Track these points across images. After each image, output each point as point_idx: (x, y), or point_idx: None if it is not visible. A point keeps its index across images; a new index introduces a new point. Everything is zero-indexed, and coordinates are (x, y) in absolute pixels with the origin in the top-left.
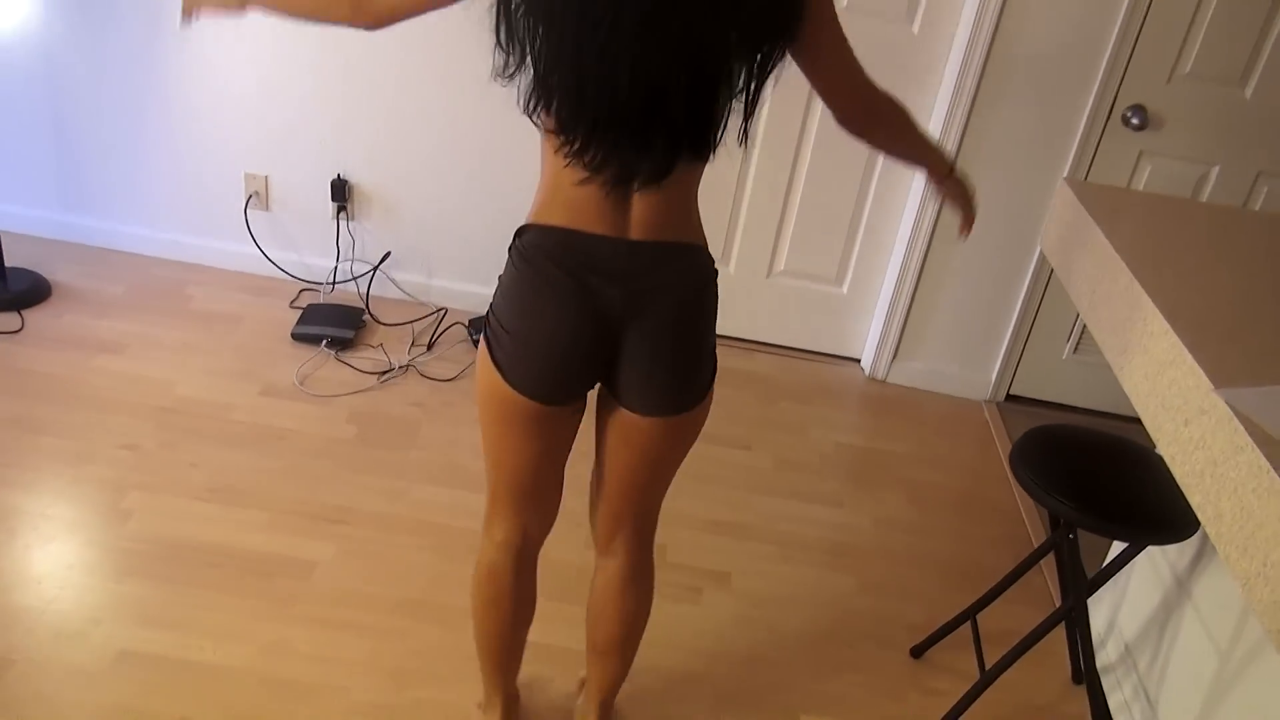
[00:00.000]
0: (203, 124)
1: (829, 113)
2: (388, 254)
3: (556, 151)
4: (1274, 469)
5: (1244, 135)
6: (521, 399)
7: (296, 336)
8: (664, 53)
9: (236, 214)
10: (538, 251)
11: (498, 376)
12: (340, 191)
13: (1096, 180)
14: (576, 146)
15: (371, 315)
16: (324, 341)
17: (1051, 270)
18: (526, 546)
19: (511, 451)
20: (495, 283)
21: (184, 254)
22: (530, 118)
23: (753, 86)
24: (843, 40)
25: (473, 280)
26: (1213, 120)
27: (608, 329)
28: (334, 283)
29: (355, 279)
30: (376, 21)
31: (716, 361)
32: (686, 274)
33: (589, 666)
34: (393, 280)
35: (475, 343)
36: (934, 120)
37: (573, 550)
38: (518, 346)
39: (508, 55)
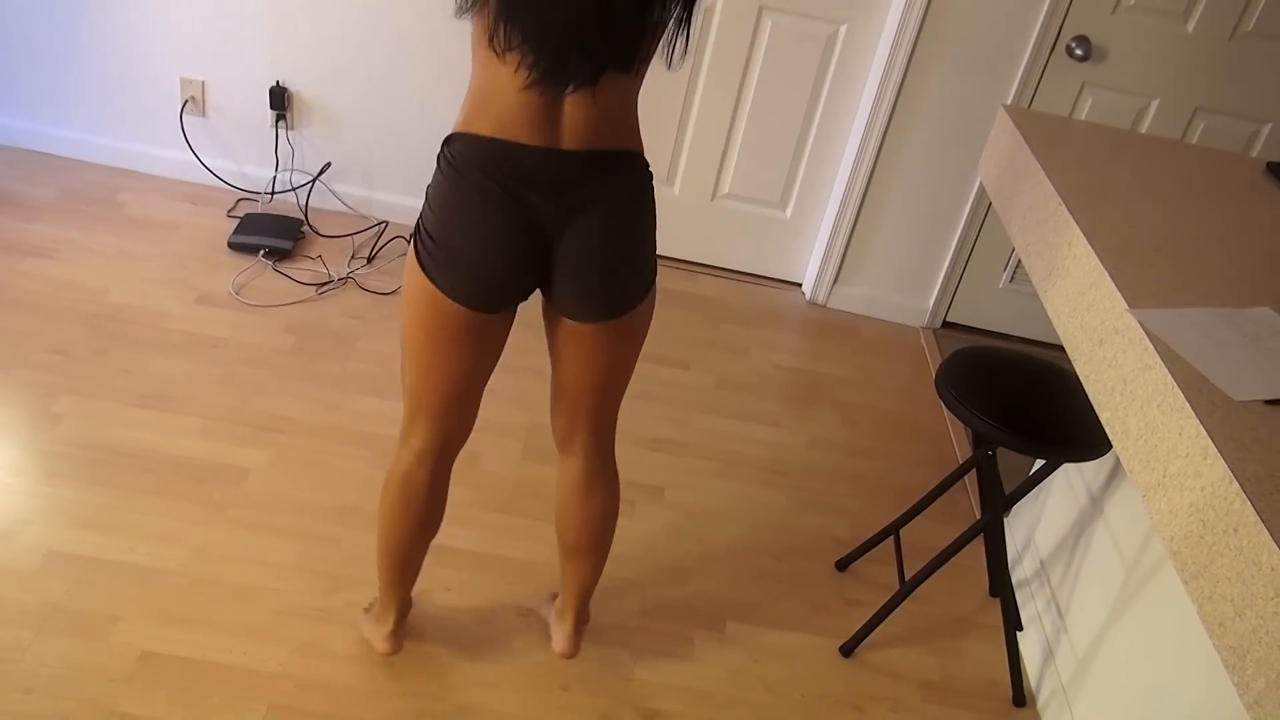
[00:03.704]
0: (138, 24)
1: (777, 34)
2: (328, 164)
3: (500, 64)
4: (1178, 386)
5: (1184, 69)
6: (455, 306)
7: (233, 246)
8: None
9: (172, 119)
10: (467, 161)
11: (430, 285)
12: (279, 99)
13: (1039, 110)
14: (523, 56)
15: (310, 226)
16: (261, 251)
17: (990, 201)
18: (444, 455)
19: (440, 362)
20: None
21: (117, 159)
22: (495, 48)
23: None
24: None
25: (415, 194)
26: (1154, 53)
27: (540, 237)
28: (272, 193)
29: (294, 189)
30: None
31: (655, 266)
32: (619, 182)
33: (562, 570)
34: (333, 192)
35: None
36: (881, 47)
37: (508, 463)
38: (450, 255)
39: None
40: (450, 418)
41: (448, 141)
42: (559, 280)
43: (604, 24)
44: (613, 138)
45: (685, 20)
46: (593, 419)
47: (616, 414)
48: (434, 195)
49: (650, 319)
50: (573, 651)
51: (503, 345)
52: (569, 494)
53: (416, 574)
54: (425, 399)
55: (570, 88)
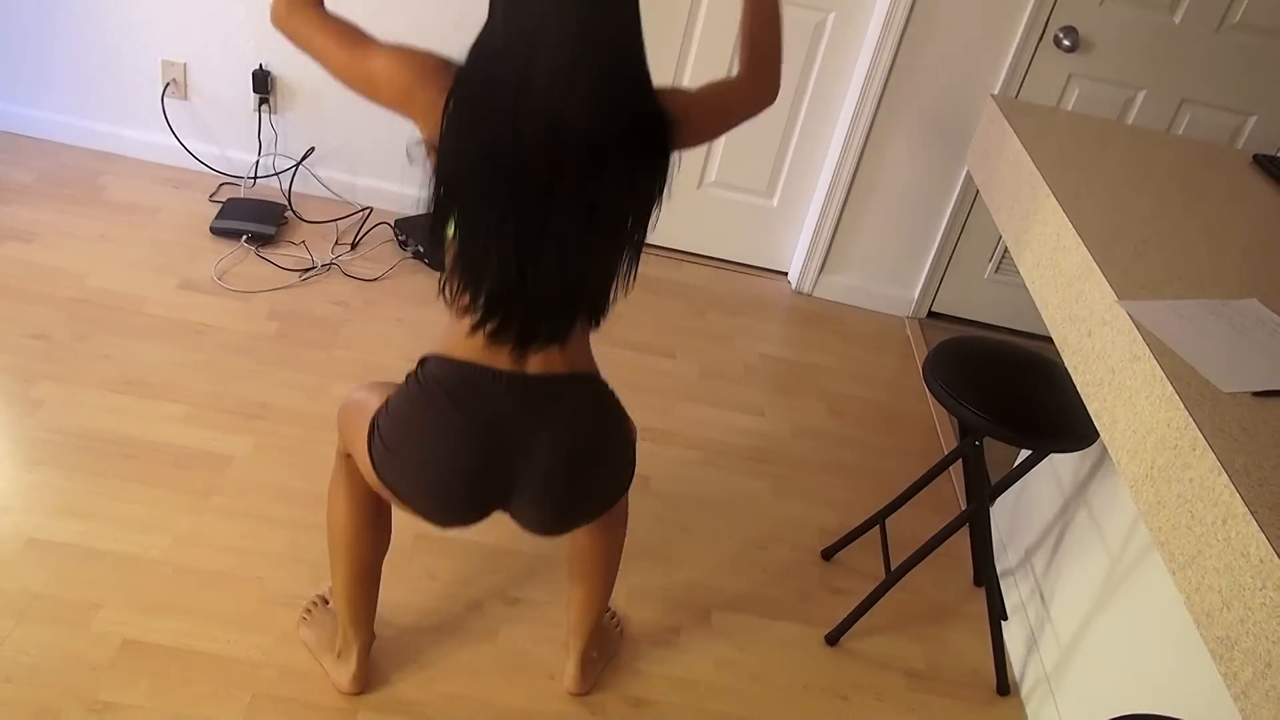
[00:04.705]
0: (119, 5)
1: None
2: (311, 149)
3: (462, 320)
4: (1166, 377)
5: (1171, 61)
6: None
7: (216, 231)
8: (583, 252)
9: (153, 102)
10: (436, 385)
11: (382, 486)
12: (262, 83)
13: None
14: (486, 326)
15: (294, 212)
16: (244, 237)
17: (976, 191)
18: None
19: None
20: (422, 184)
21: (97, 142)
22: (444, 298)
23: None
24: (718, 107)
25: (399, 179)
26: (1141, 45)
27: (500, 466)
28: (255, 177)
29: (277, 174)
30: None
31: (630, 466)
32: (580, 402)
33: (568, 597)
34: (316, 177)
35: (401, 244)
36: (868, 35)
37: None
38: (406, 475)
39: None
40: None
41: (422, 362)
42: (518, 505)
43: (570, 299)
44: (571, 363)
45: (640, 251)
46: None
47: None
48: (397, 409)
49: (625, 507)
50: (580, 688)
51: None
52: None
53: (376, 598)
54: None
55: (537, 346)
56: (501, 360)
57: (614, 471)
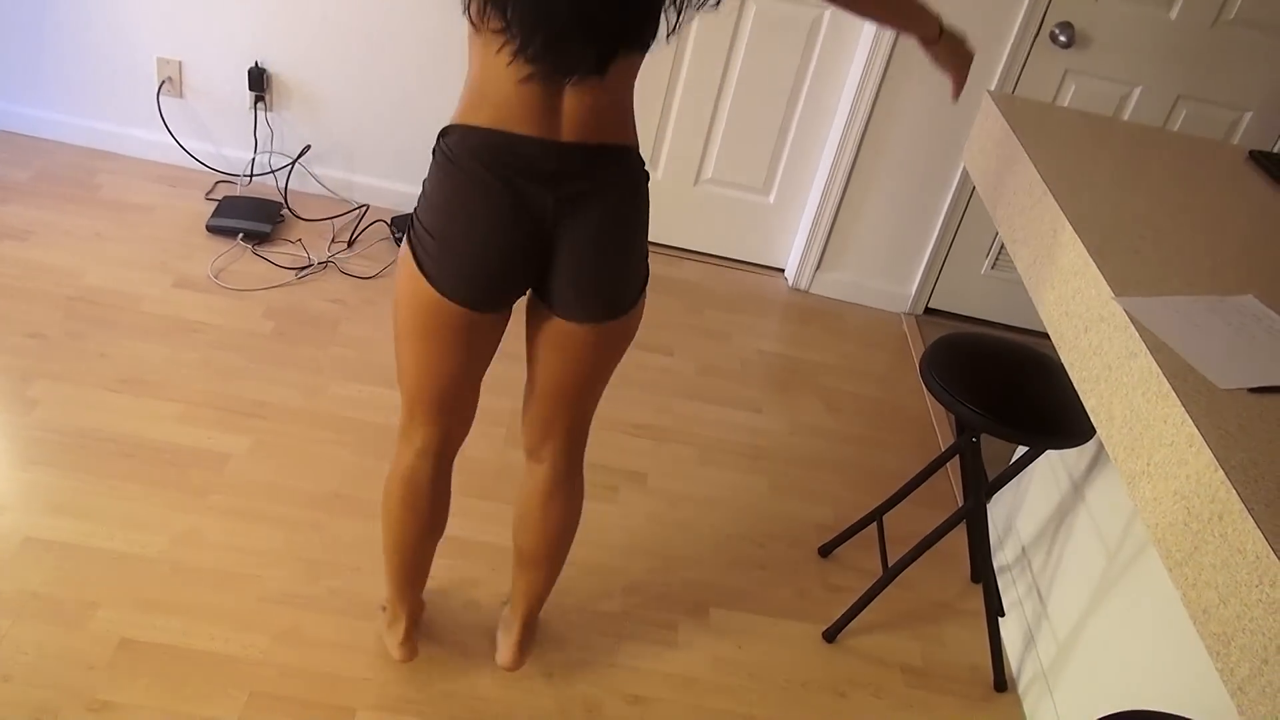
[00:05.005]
0: (114, 3)
1: (761, 18)
2: (307, 147)
3: (498, 50)
4: (1163, 374)
5: (1167, 57)
6: (449, 305)
7: (212, 229)
8: None
9: (149, 100)
10: (464, 152)
11: (424, 283)
12: (258, 81)
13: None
14: (520, 42)
15: (290, 210)
16: (240, 235)
17: (973, 187)
18: (445, 451)
19: (434, 363)
20: (420, 181)
21: (93, 140)
22: (470, 17)
23: None
24: None
25: (396, 178)
26: (1137, 41)
27: (538, 232)
28: (251, 175)
29: (273, 172)
30: None
31: (648, 268)
32: (617, 177)
33: (515, 576)
34: (312, 175)
35: (398, 241)
36: (864, 32)
37: (491, 449)
38: (445, 251)
39: None
40: (447, 414)
41: (443, 134)
42: (556, 277)
43: (622, 13)
44: (610, 132)
45: None
46: (568, 426)
47: (589, 423)
48: (430, 188)
49: (637, 327)
50: (516, 664)
51: (495, 348)
52: (532, 501)
53: (426, 575)
54: (420, 397)
55: (574, 78)
56: (530, 125)
57: (641, 256)
